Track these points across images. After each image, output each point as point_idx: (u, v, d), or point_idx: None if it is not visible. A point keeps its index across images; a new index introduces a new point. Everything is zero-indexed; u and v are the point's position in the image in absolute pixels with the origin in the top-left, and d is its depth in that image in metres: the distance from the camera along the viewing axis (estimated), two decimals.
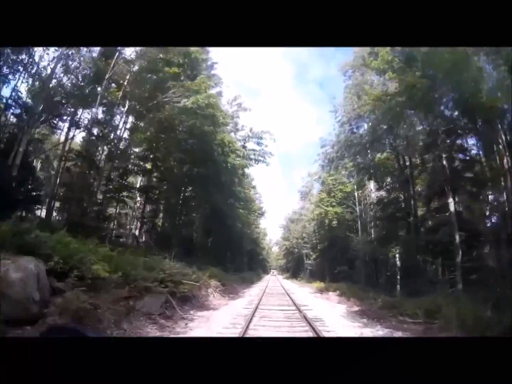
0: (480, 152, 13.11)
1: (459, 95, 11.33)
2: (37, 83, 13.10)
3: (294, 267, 53.12)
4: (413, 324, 7.80)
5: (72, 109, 14.81)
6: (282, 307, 11.08)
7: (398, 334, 6.87)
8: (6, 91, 12.48)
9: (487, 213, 13.53)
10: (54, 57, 12.68)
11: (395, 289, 16.23)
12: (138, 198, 20.93)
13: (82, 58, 13.74)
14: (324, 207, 28.50)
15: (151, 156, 18.26)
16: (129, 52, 14.70)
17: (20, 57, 12.06)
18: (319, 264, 36.41)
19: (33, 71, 12.78)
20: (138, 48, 13.58)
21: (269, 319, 8.24)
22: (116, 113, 16.35)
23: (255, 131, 24.95)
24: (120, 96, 14.89)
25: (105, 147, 15.62)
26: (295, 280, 41.80)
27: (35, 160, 18.55)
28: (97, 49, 13.51)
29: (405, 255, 16.63)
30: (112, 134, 15.92)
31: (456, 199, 12.92)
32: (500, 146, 11.16)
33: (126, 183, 17.14)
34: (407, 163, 16.33)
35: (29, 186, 12.81)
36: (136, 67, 15.47)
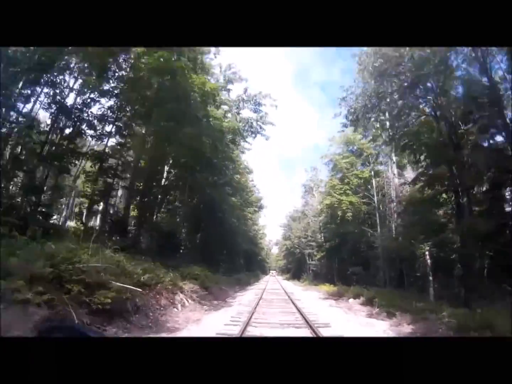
0: None
1: None
2: None
3: (295, 268, 50.20)
4: None
5: None
6: (287, 326, 7.08)
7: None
8: None
9: None
10: None
11: (427, 293, 13.42)
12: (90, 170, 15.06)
13: None
14: (336, 196, 23.57)
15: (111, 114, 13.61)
16: None
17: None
18: (325, 265, 32.99)
19: None
20: None
21: None
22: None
23: (250, 93, 19.17)
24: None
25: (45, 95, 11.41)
26: (297, 281, 38.60)
27: None
28: None
29: (446, 250, 13.70)
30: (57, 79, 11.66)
31: None
32: None
33: (73, 148, 12.57)
34: (453, 130, 11.81)
35: None
36: None
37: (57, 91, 12.00)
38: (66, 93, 12.36)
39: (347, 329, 7.11)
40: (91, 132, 13.62)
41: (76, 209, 21.52)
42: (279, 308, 10.87)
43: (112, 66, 13.12)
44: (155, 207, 18.73)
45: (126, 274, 7.17)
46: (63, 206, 22.36)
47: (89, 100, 13.08)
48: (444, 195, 13.13)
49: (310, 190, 41.06)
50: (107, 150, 14.61)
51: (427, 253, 14.66)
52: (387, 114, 14.63)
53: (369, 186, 23.23)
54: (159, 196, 19.02)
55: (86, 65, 12.39)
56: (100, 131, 13.89)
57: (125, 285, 6.39)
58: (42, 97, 11.67)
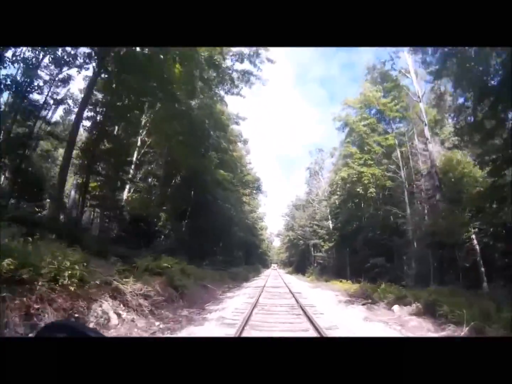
0: None
1: None
2: None
3: (298, 261, 46.13)
4: None
5: None
6: None
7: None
8: None
9: None
10: None
11: (481, 287, 10.82)
12: None
13: None
14: (355, 167, 18.41)
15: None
16: None
17: None
18: (336, 257, 28.37)
19: None
20: None
21: None
22: None
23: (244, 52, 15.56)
24: None
25: None
26: (301, 276, 34.06)
27: None
28: None
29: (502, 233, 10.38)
30: None
31: None
32: None
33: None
34: None
35: None
36: None
37: None
38: None
39: None
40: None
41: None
42: (283, 323, 6.43)
43: None
44: (122, 184, 15.15)
45: None
46: None
47: None
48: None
49: (315, 175, 36.92)
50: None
51: (473, 237, 11.41)
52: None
53: (393, 157, 18.38)
54: (130, 170, 15.57)
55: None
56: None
57: None
58: None
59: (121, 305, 5.99)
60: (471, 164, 12.24)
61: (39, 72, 12.34)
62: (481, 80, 9.13)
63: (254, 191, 36.69)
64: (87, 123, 13.46)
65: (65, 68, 12.85)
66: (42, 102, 12.88)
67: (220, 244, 25.69)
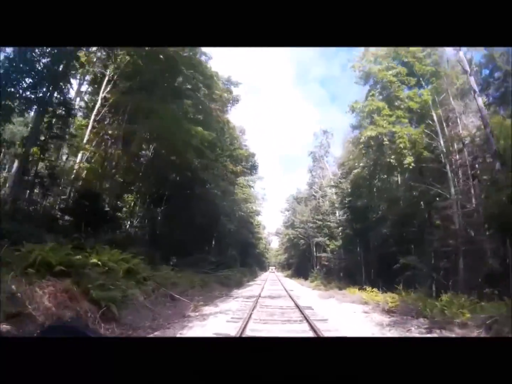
0: None
1: None
2: None
3: (298, 263, 41.13)
4: None
5: None
6: None
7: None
8: None
9: None
10: None
11: None
12: None
13: None
14: (386, 126, 13.79)
15: None
16: None
17: None
18: (347, 257, 23.10)
19: None
20: None
21: None
22: None
23: None
24: None
25: None
26: (303, 280, 29.16)
27: None
28: None
29: None
30: None
31: None
32: None
33: None
34: None
35: None
36: None
37: None
38: None
39: None
40: None
41: None
42: None
43: None
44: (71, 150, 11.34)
45: None
46: None
47: None
48: None
49: (319, 160, 30.89)
50: None
51: None
52: None
53: (428, 121, 13.91)
54: (86, 135, 12.00)
55: None
56: None
57: None
58: None
59: None
60: None
61: None
62: None
63: (247, 170, 28.78)
64: None
65: None
66: None
67: (213, 242, 21.82)
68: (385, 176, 17.05)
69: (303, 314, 8.36)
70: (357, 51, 18.17)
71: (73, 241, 8.02)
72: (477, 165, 13.14)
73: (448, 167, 13.05)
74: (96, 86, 14.39)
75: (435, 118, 13.77)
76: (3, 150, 12.35)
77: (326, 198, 29.32)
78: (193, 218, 15.98)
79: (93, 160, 13.91)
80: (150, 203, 15.63)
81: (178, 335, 5.84)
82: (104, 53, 13.45)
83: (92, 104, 13.79)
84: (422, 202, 14.56)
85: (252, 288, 18.51)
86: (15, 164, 12.60)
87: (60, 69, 11.39)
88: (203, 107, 16.74)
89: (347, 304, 11.59)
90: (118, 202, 13.81)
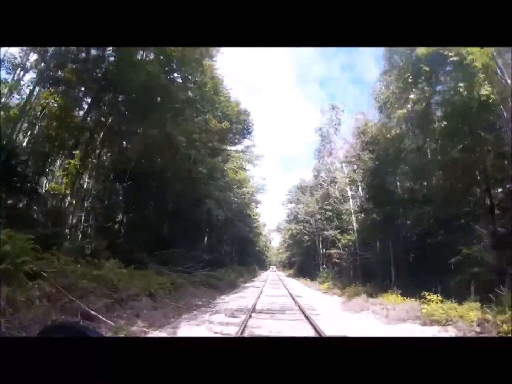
0: None
1: None
2: None
3: (301, 262, 37.04)
4: None
5: None
6: None
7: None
8: None
9: None
10: None
11: None
12: None
13: None
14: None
15: None
16: None
17: None
18: (368, 253, 17.65)
19: None
20: None
21: None
22: None
23: None
24: None
25: None
26: (309, 281, 25.35)
27: None
28: None
29: None
30: None
31: None
32: None
33: None
34: None
35: None
36: None
37: None
38: None
39: None
40: None
41: None
42: None
43: None
44: None
45: None
46: None
47: None
48: None
49: (327, 138, 25.13)
50: None
51: None
52: None
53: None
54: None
55: None
56: None
57: None
58: None
59: None
60: None
61: None
62: None
63: (238, 136, 22.08)
64: None
65: None
66: None
67: (205, 238, 18.24)
68: (444, 122, 10.30)
69: None
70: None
71: None
72: None
73: None
74: None
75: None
76: None
77: (337, 185, 23.90)
78: (170, 203, 12.10)
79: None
80: (107, 177, 10.92)
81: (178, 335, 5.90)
82: None
83: None
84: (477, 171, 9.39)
85: (247, 293, 14.11)
86: None
87: None
88: None
89: (410, 325, 7.51)
90: (50, 166, 8.67)
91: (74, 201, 11.20)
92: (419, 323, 7.59)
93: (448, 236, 10.29)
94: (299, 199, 35.03)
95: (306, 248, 33.28)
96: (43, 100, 11.30)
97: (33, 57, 11.91)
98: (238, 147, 23.65)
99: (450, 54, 9.49)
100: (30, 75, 12.31)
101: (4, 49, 10.66)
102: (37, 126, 11.78)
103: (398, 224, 13.76)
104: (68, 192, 10.77)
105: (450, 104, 10.27)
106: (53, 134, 11.23)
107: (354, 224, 20.29)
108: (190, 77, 13.83)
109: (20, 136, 11.62)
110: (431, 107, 11.81)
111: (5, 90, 11.43)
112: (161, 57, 12.41)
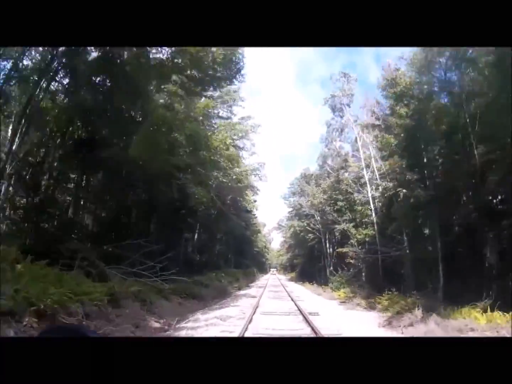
0: None
1: None
2: None
3: (305, 264, 33.24)
4: None
5: None
6: None
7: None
8: None
9: None
10: None
11: None
12: None
13: None
14: None
15: None
16: None
17: None
18: (412, 251, 11.70)
19: None
20: None
21: None
22: None
23: None
24: None
25: None
26: (315, 286, 21.81)
27: None
28: None
29: None
30: None
31: None
32: None
33: None
34: None
35: None
36: None
37: None
38: None
39: None
40: None
41: None
42: None
43: None
44: None
45: None
46: None
47: None
48: None
49: (340, 112, 21.02)
50: None
51: None
52: None
53: None
54: None
55: None
56: None
57: None
58: None
59: None
60: None
61: None
62: None
63: (230, 102, 16.45)
64: None
65: None
66: None
67: (195, 236, 14.01)
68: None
69: None
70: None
71: None
72: None
73: None
74: None
75: None
76: None
77: (348, 171, 20.55)
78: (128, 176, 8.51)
79: None
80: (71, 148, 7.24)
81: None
82: None
83: None
84: None
85: (234, 310, 9.65)
86: None
87: None
88: None
89: None
90: None
91: None
92: None
93: None
94: (303, 190, 29.99)
95: (310, 248, 29.37)
96: None
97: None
98: (225, 92, 15.69)
99: None
100: None
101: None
102: None
103: (457, 206, 9.32)
104: None
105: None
106: None
107: (373, 215, 16.30)
108: None
109: None
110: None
111: None
112: None
